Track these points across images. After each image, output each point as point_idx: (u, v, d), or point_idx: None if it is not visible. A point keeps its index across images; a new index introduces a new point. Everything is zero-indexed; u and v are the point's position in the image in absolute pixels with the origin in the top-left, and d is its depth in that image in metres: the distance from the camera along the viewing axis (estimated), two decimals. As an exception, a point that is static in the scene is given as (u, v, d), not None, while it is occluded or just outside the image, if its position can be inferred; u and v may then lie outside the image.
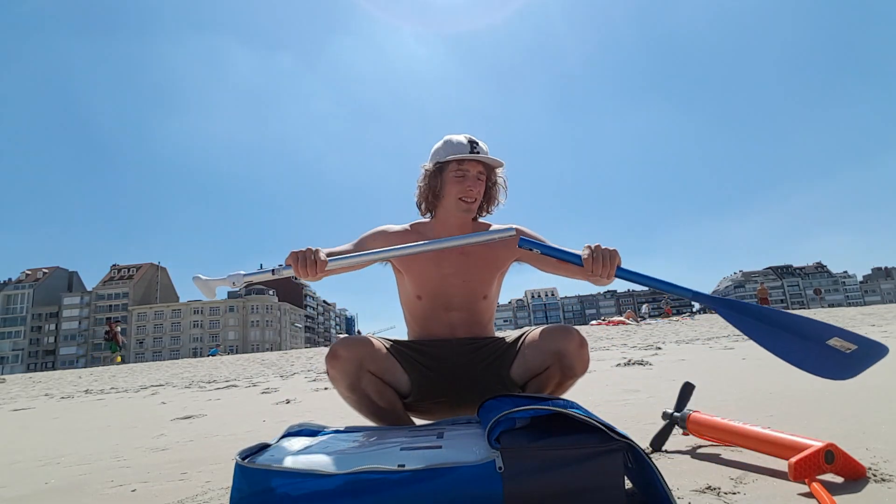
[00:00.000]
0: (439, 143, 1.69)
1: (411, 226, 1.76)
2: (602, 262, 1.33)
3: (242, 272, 1.48)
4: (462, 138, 1.65)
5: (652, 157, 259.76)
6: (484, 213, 1.77)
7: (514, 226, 1.77)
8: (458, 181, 1.64)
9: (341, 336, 1.59)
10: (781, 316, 1.27)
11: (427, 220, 1.77)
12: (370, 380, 1.53)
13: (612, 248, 1.35)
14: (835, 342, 1.19)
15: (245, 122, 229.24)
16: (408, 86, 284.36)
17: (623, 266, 1.36)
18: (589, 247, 1.36)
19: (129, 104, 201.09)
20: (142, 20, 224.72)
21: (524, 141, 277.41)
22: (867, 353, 1.18)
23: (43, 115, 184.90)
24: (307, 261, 1.40)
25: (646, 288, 1.50)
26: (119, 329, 19.07)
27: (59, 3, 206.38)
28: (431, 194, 1.69)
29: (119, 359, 18.25)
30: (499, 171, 1.73)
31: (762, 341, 1.25)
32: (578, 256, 1.36)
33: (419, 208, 1.77)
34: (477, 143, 1.65)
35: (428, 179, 1.69)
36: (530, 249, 1.43)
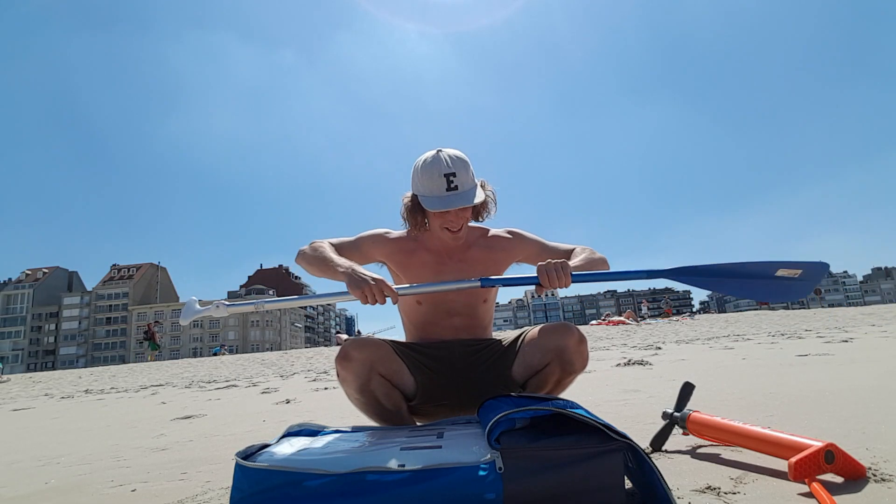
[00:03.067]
0: (417, 168, 1.59)
1: (408, 233, 1.75)
2: (556, 274, 1.42)
3: (226, 302, 1.51)
4: (438, 175, 1.53)
5: (652, 156, 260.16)
6: (480, 220, 1.75)
7: (510, 229, 1.78)
8: (440, 216, 1.59)
9: (343, 336, 1.61)
10: (731, 266, 1.42)
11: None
12: (380, 382, 1.53)
13: (559, 261, 1.44)
14: (782, 272, 1.35)
15: (245, 119, 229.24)
16: (410, 83, 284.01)
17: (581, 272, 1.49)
18: (541, 265, 1.45)
19: (128, 102, 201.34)
20: (142, 17, 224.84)
21: (528, 139, 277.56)
22: (811, 273, 1.35)
23: (42, 114, 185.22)
24: (374, 294, 1.39)
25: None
26: (156, 329, 20.13)
27: (59, 0, 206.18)
28: (415, 222, 1.67)
29: (151, 357, 19.50)
30: (487, 186, 1.68)
31: (724, 290, 1.42)
32: (535, 278, 1.45)
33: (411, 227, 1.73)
34: (455, 178, 1.53)
35: (409, 212, 1.65)
36: (493, 286, 1.52)
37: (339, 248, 1.69)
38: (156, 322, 24.65)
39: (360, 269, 1.46)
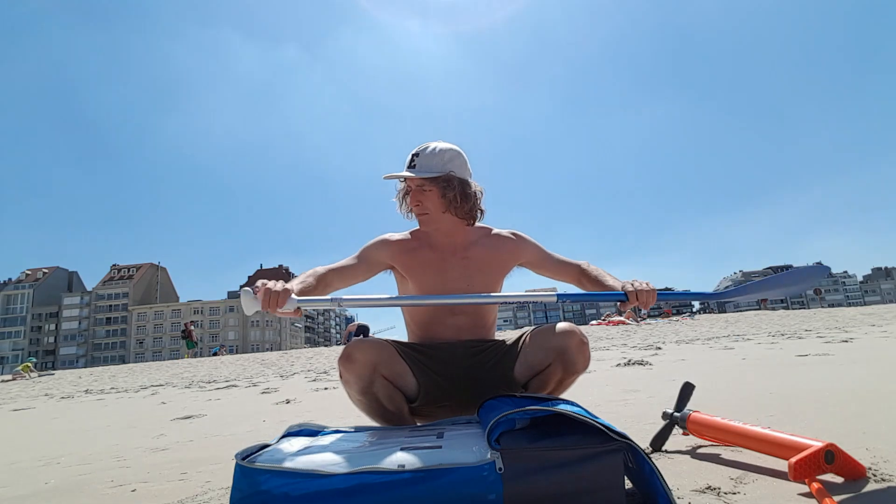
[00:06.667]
0: None
1: (411, 233, 1.76)
2: (646, 295, 1.48)
3: (296, 297, 1.38)
4: (408, 155, 1.65)
5: (652, 156, 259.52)
6: (474, 222, 1.72)
7: (514, 231, 1.78)
8: (408, 196, 1.67)
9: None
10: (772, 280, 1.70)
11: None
12: (382, 384, 1.52)
13: (645, 281, 1.50)
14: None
15: (247, 118, 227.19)
16: (414, 81, 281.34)
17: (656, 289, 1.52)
18: (631, 283, 1.50)
19: (129, 100, 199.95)
20: (143, 13, 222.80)
21: (532, 136, 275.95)
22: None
23: (42, 112, 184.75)
24: (271, 298, 1.32)
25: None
26: (193, 328, 20.58)
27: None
28: (401, 206, 1.74)
29: (188, 355, 19.95)
30: (472, 185, 1.68)
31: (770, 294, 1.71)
32: (623, 294, 1.50)
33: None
34: (417, 157, 1.62)
35: (399, 198, 1.74)
36: (567, 301, 1.53)
37: (339, 269, 1.64)
38: (191, 322, 25.17)
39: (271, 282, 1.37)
